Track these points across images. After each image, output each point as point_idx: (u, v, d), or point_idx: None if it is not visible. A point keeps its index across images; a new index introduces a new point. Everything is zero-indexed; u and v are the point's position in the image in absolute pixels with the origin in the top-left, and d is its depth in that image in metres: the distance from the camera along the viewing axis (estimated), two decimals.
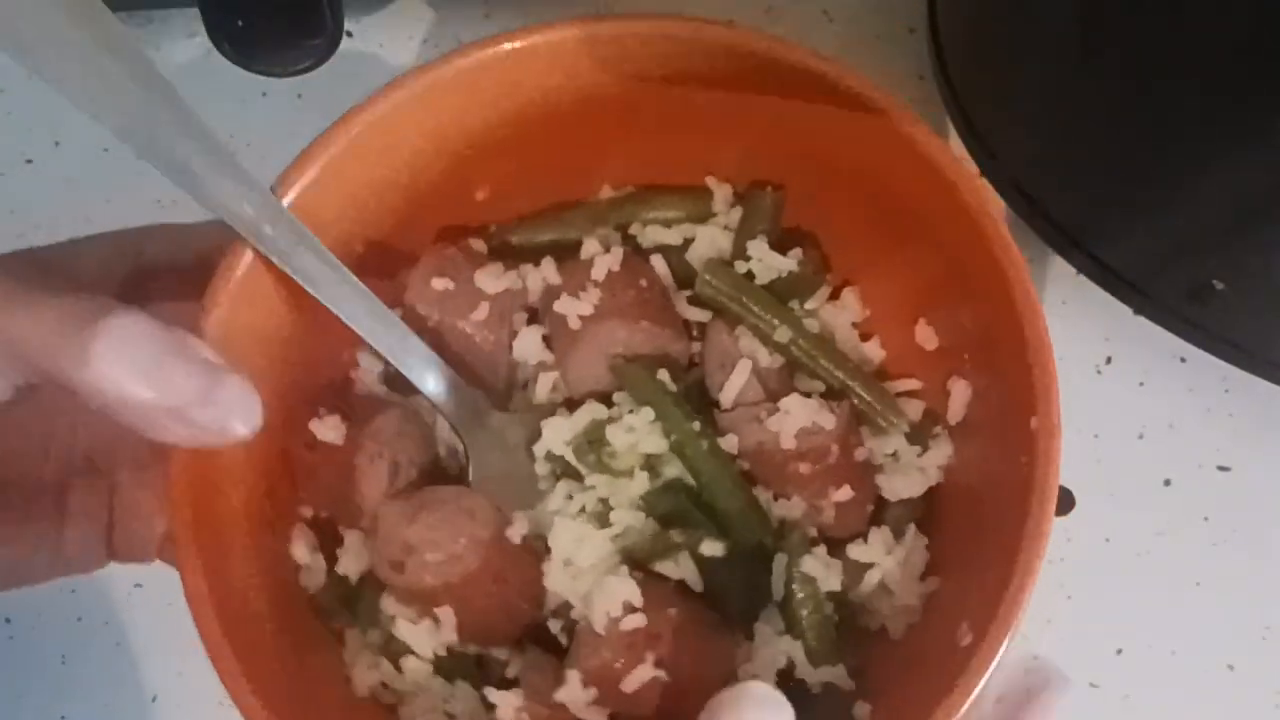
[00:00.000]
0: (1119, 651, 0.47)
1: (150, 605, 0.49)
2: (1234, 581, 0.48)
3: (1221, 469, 0.50)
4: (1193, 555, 0.48)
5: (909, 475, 0.39)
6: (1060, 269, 0.54)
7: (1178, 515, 0.49)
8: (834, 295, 0.41)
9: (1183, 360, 0.51)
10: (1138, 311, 0.48)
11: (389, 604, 0.36)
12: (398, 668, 0.36)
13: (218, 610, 0.31)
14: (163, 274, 0.34)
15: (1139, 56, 0.41)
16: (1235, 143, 0.40)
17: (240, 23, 0.46)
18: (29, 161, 0.58)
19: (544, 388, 0.39)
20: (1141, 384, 0.51)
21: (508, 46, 0.35)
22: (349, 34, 0.61)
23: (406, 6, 0.58)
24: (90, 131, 0.65)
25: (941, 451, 0.38)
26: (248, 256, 0.33)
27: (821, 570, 0.37)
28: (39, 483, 0.35)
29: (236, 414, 0.31)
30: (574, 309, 0.38)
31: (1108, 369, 0.53)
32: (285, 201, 0.34)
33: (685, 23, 0.36)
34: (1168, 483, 0.50)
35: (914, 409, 0.39)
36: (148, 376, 0.29)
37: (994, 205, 0.34)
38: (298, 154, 0.35)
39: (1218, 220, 0.43)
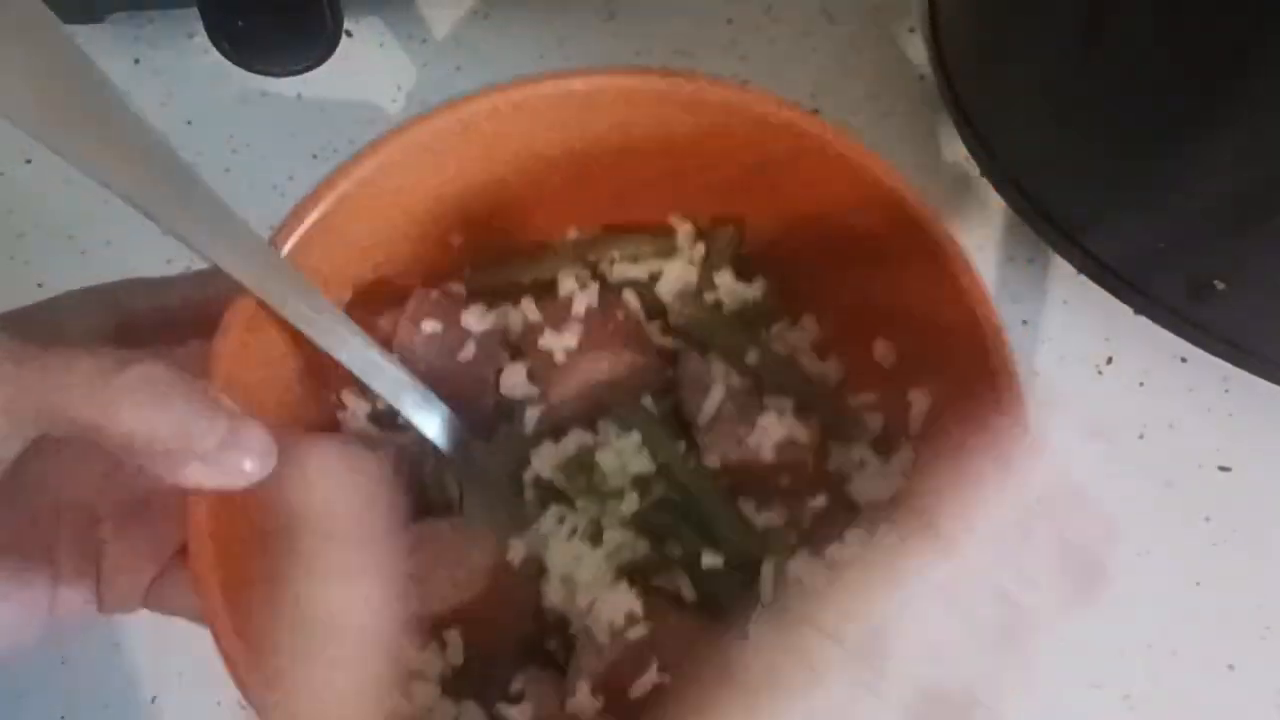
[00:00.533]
0: (1120, 652, 0.47)
1: None
2: (1234, 581, 0.48)
3: (1222, 469, 0.49)
4: (1193, 555, 0.48)
5: (876, 480, 0.42)
6: (1061, 268, 0.54)
7: (1178, 515, 0.49)
8: (795, 320, 0.45)
9: (1183, 360, 0.51)
10: (1138, 311, 0.48)
11: None
12: (404, 693, 0.39)
13: (246, 650, 0.33)
14: (144, 328, 0.37)
15: (1139, 55, 0.41)
16: (1236, 141, 0.40)
17: (240, 23, 0.46)
18: (28, 161, 0.58)
19: (531, 420, 0.42)
20: (1142, 384, 0.51)
21: (478, 107, 0.39)
22: (348, 34, 0.61)
23: (405, 6, 0.58)
24: None
25: (905, 458, 0.41)
26: (248, 309, 0.35)
27: (806, 571, 0.40)
28: (32, 544, 0.36)
29: (254, 456, 0.33)
30: (559, 344, 0.41)
31: (1108, 369, 0.53)
32: (283, 254, 0.37)
33: (644, 76, 0.39)
34: (1169, 483, 0.50)
35: (875, 421, 0.42)
36: (179, 421, 0.31)
37: (946, 229, 0.39)
38: (289, 211, 0.38)
39: (1219, 219, 0.43)
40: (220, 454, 0.32)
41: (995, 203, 0.52)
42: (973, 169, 0.53)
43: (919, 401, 0.41)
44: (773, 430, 0.40)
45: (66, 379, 0.30)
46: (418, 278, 0.42)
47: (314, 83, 0.54)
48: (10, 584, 0.36)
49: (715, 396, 0.42)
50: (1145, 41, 0.40)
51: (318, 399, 0.41)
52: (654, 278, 0.44)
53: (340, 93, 0.64)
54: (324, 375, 0.39)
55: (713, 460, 0.41)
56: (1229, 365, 0.47)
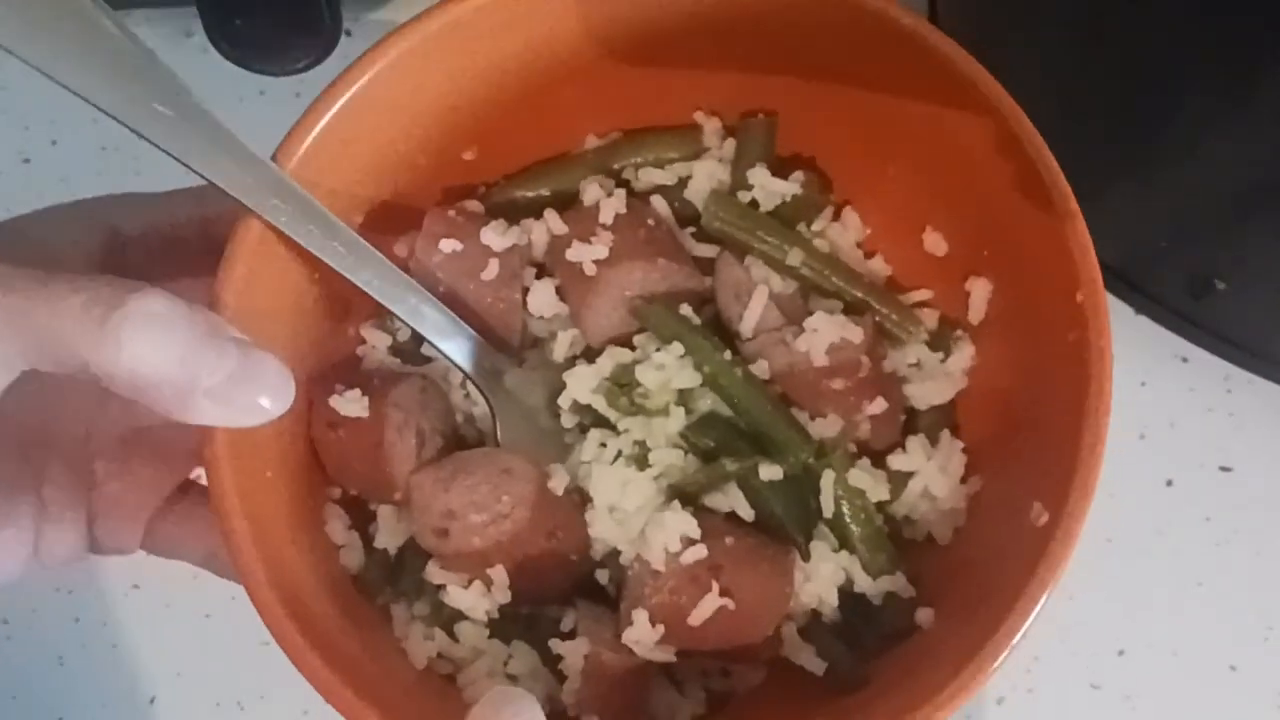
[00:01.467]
0: (1120, 652, 0.47)
1: (148, 606, 0.49)
2: (1236, 581, 0.48)
3: (1223, 469, 0.50)
4: (1194, 555, 0.48)
5: (935, 382, 0.39)
6: None
7: (1179, 515, 0.49)
8: (835, 216, 0.42)
9: (1184, 360, 0.51)
10: (1139, 311, 0.48)
11: (435, 572, 0.36)
12: (452, 636, 0.36)
13: (282, 601, 0.32)
14: (135, 249, 0.34)
15: (1140, 55, 0.41)
16: (1237, 141, 0.40)
17: (238, 22, 0.46)
18: (26, 160, 0.58)
19: (563, 344, 0.39)
20: (1143, 384, 0.51)
21: (475, 2, 0.35)
22: (347, 33, 0.61)
23: (405, 5, 0.58)
24: (88, 130, 0.65)
25: (964, 354, 0.39)
26: (255, 233, 0.33)
27: (868, 481, 0.37)
28: (18, 479, 0.34)
29: (269, 391, 0.31)
30: (588, 254, 0.38)
31: None
32: (288, 170, 0.34)
33: None
34: (1169, 483, 0.50)
35: (929, 318, 0.39)
36: (182, 357, 0.29)
37: (1004, 92, 0.35)
38: (291, 126, 0.35)
39: (1219, 220, 0.43)
40: (232, 389, 0.30)
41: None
42: None
43: (979, 289, 0.38)
44: (823, 331, 0.37)
45: (59, 313, 0.28)
46: (432, 198, 0.39)
47: (313, 82, 0.54)
48: None
49: (758, 302, 0.38)
50: (1146, 41, 0.40)
51: (335, 333, 0.38)
52: (683, 181, 0.40)
53: None
54: (341, 308, 0.36)
55: (761, 368, 0.38)
56: (1230, 365, 0.47)
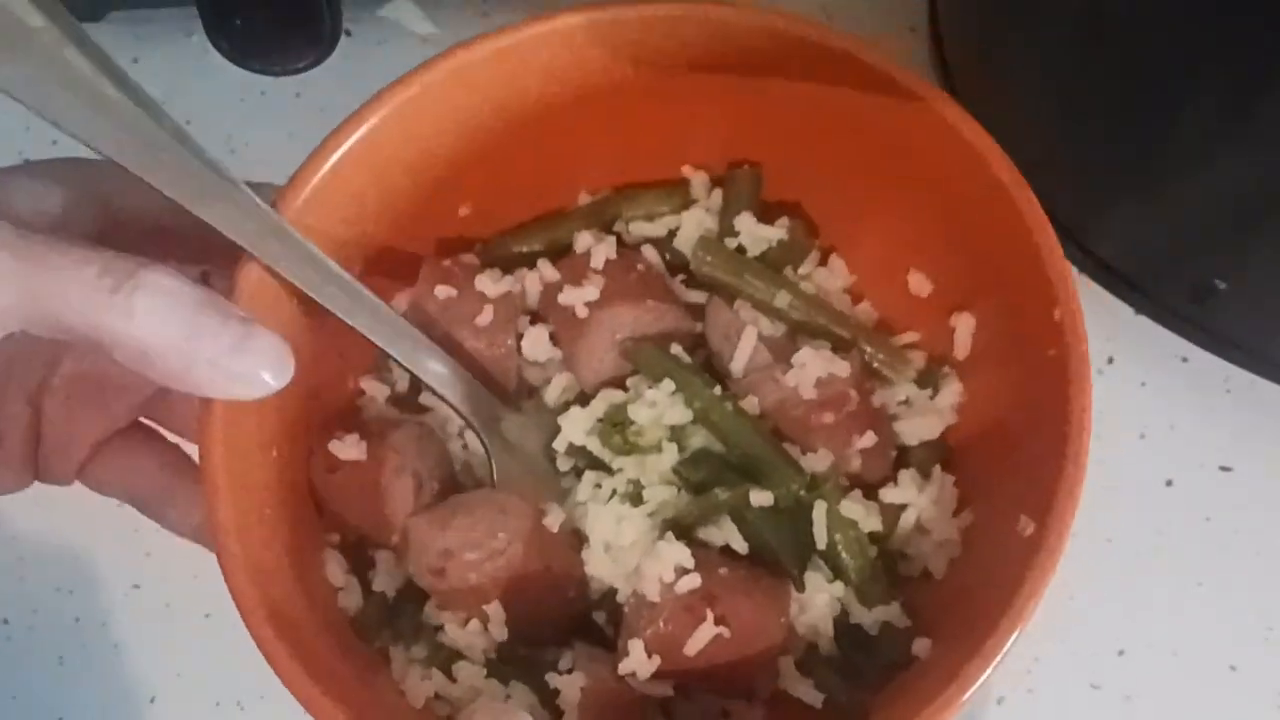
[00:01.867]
0: (1120, 653, 0.47)
1: (148, 606, 0.49)
2: (1236, 582, 0.48)
3: (1223, 469, 0.50)
4: (1194, 555, 0.48)
5: (925, 418, 0.40)
6: None
7: (1179, 515, 0.49)
8: (822, 261, 0.43)
9: (1184, 360, 0.51)
10: (1139, 311, 0.49)
11: (433, 613, 0.38)
12: (450, 676, 0.37)
13: (282, 636, 0.33)
14: (129, 228, 0.35)
15: (1140, 55, 0.41)
16: (1237, 141, 0.40)
17: (238, 22, 0.46)
18: (26, 161, 0.58)
19: (556, 388, 0.40)
20: (1143, 384, 0.52)
21: (471, 55, 0.37)
22: (347, 32, 0.61)
23: (405, 5, 0.58)
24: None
25: (952, 390, 0.40)
26: (254, 278, 0.34)
27: (860, 512, 0.38)
28: None
29: (268, 364, 0.33)
30: (580, 297, 0.39)
31: (1109, 369, 0.53)
32: (288, 216, 0.35)
33: (657, 5, 0.37)
34: (1169, 483, 0.50)
35: (917, 358, 0.41)
36: (188, 328, 0.31)
37: (980, 129, 0.37)
38: (290, 175, 0.36)
39: (1219, 220, 0.43)
40: (233, 360, 0.32)
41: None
42: None
43: (963, 325, 0.40)
44: (810, 366, 0.38)
45: (69, 280, 0.30)
46: (428, 252, 0.41)
47: (313, 82, 0.54)
48: None
49: (747, 343, 0.39)
50: (1147, 42, 0.40)
51: (334, 384, 0.40)
52: (672, 233, 0.42)
53: (340, 93, 0.64)
54: (339, 357, 0.38)
55: (751, 404, 0.39)
56: (1230, 365, 0.47)
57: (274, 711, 0.52)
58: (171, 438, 0.42)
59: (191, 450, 0.40)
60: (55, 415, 0.39)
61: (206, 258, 0.34)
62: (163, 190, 0.33)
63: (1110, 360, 0.54)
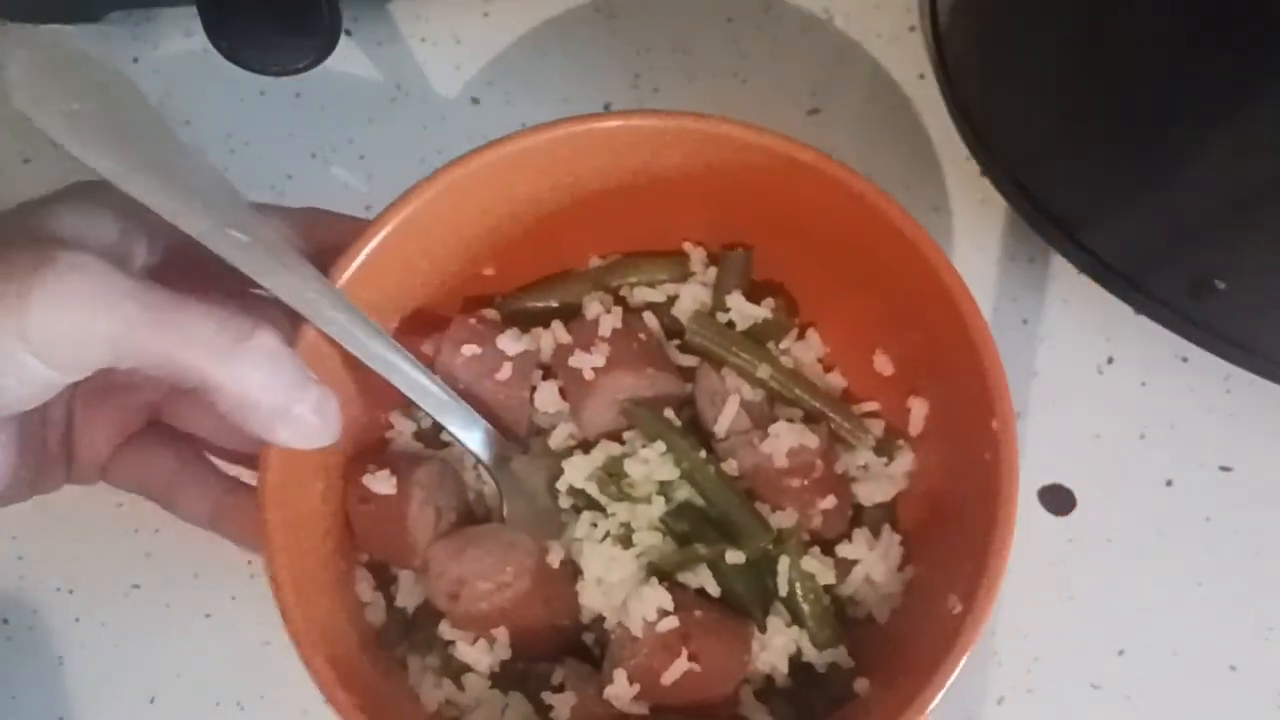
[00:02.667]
0: (1120, 652, 0.48)
1: (148, 606, 0.50)
2: (1236, 582, 0.48)
3: (1223, 469, 0.50)
4: (1194, 555, 0.49)
5: (879, 483, 0.47)
6: (1061, 267, 0.54)
7: (1179, 515, 0.50)
8: (800, 335, 0.51)
9: (1184, 360, 0.51)
10: (1139, 311, 0.49)
11: (446, 630, 0.45)
12: (458, 685, 0.45)
13: (319, 642, 0.40)
14: (182, 254, 0.40)
15: (1140, 54, 0.41)
16: (1237, 139, 0.40)
17: (238, 22, 0.46)
18: (26, 161, 0.58)
19: (561, 435, 0.48)
20: (1143, 384, 0.52)
21: (512, 148, 0.44)
22: (347, 32, 0.62)
23: (405, 5, 0.58)
24: None
25: (904, 461, 0.47)
26: (310, 338, 0.41)
27: (818, 567, 0.45)
28: (37, 426, 0.43)
29: (331, 426, 0.40)
30: (588, 362, 0.46)
31: (1109, 369, 0.53)
32: (339, 285, 0.42)
33: (669, 118, 0.44)
34: (1169, 483, 0.50)
35: (876, 427, 0.48)
36: (285, 391, 0.38)
37: (935, 245, 0.43)
38: (347, 250, 0.43)
39: (1219, 218, 0.43)
40: (308, 418, 0.38)
41: (995, 202, 0.52)
42: (973, 168, 0.53)
43: (918, 407, 0.47)
44: (785, 437, 0.46)
45: (187, 332, 0.36)
46: (455, 306, 0.49)
47: (313, 82, 0.54)
48: (34, 449, 0.43)
49: (731, 408, 0.47)
50: (1146, 40, 0.40)
51: (368, 420, 0.47)
52: (671, 300, 0.50)
53: (339, 92, 0.64)
54: (374, 397, 0.46)
55: (730, 466, 0.47)
56: (1230, 364, 0.47)
57: (274, 711, 0.52)
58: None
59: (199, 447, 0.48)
60: (82, 420, 0.45)
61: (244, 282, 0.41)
62: (234, 262, 0.38)
63: (1110, 360, 0.54)
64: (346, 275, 0.42)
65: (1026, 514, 0.53)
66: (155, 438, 0.47)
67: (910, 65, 0.59)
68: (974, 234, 0.55)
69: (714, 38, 0.60)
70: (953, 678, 0.39)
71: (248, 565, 0.50)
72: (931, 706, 0.39)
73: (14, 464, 0.41)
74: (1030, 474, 0.51)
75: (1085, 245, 0.49)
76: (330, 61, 0.51)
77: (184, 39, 0.59)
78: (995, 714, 0.49)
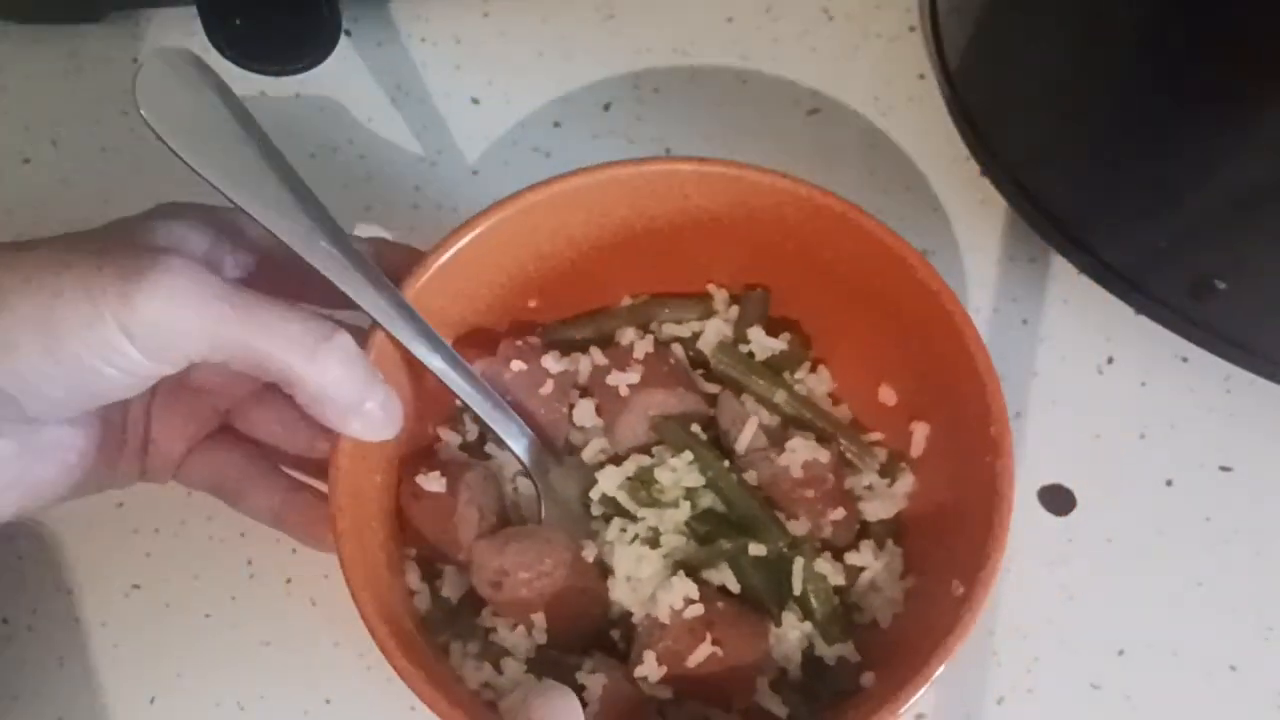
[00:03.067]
0: (1120, 652, 0.48)
1: (148, 606, 0.51)
2: (1236, 582, 0.49)
3: (1223, 469, 0.51)
4: (1194, 555, 0.49)
5: (883, 501, 0.53)
6: (1061, 268, 0.55)
7: (1179, 515, 0.50)
8: (812, 369, 0.57)
9: (1184, 360, 0.52)
10: (1139, 311, 0.49)
11: (487, 618, 0.52)
12: (497, 669, 0.50)
13: (383, 616, 0.43)
14: (265, 266, 0.46)
15: (1140, 54, 0.41)
16: (1236, 140, 0.40)
17: (239, 23, 0.46)
18: (26, 161, 0.59)
19: (594, 449, 0.54)
20: (1143, 384, 0.52)
21: (566, 186, 0.48)
22: (347, 33, 0.62)
23: (404, 6, 0.58)
24: (89, 131, 0.66)
25: (906, 481, 0.53)
26: (379, 342, 0.46)
27: (829, 569, 0.51)
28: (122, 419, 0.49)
29: (395, 421, 0.44)
30: (623, 380, 0.52)
31: (1109, 369, 0.54)
32: (408, 296, 0.46)
33: (696, 164, 0.49)
34: (1169, 483, 0.50)
35: (880, 454, 0.55)
36: (359, 387, 0.42)
37: (942, 281, 0.46)
38: (414, 269, 0.47)
39: (1219, 219, 0.44)
40: (376, 413, 0.43)
41: (996, 202, 0.53)
42: (973, 168, 0.54)
43: (919, 430, 0.52)
44: (799, 451, 0.52)
45: (273, 332, 0.40)
46: (503, 331, 0.56)
47: (313, 82, 0.55)
48: (77, 443, 0.45)
49: (750, 429, 0.52)
50: (1146, 41, 0.40)
51: (419, 429, 0.53)
52: (696, 335, 0.57)
53: (339, 93, 0.65)
54: (425, 409, 0.52)
55: (750, 477, 0.53)
56: (1230, 365, 0.48)
57: (274, 711, 0.52)
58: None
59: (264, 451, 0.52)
60: (160, 421, 0.49)
61: (330, 300, 0.47)
62: (322, 270, 0.43)
63: (1110, 360, 0.54)
64: (414, 289, 0.49)
65: (1026, 514, 0.54)
66: (225, 440, 0.53)
67: (910, 65, 0.61)
68: (974, 234, 0.57)
69: (714, 38, 0.61)
70: (955, 651, 0.42)
71: (247, 566, 0.51)
72: (932, 679, 0.42)
73: (94, 457, 0.47)
74: (1030, 474, 0.52)
75: (1085, 245, 0.50)
76: (330, 62, 0.52)
77: (184, 40, 0.60)
78: (995, 714, 0.51)
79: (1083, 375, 0.55)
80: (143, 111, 0.40)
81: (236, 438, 0.52)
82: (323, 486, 0.48)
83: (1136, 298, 0.50)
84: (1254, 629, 0.51)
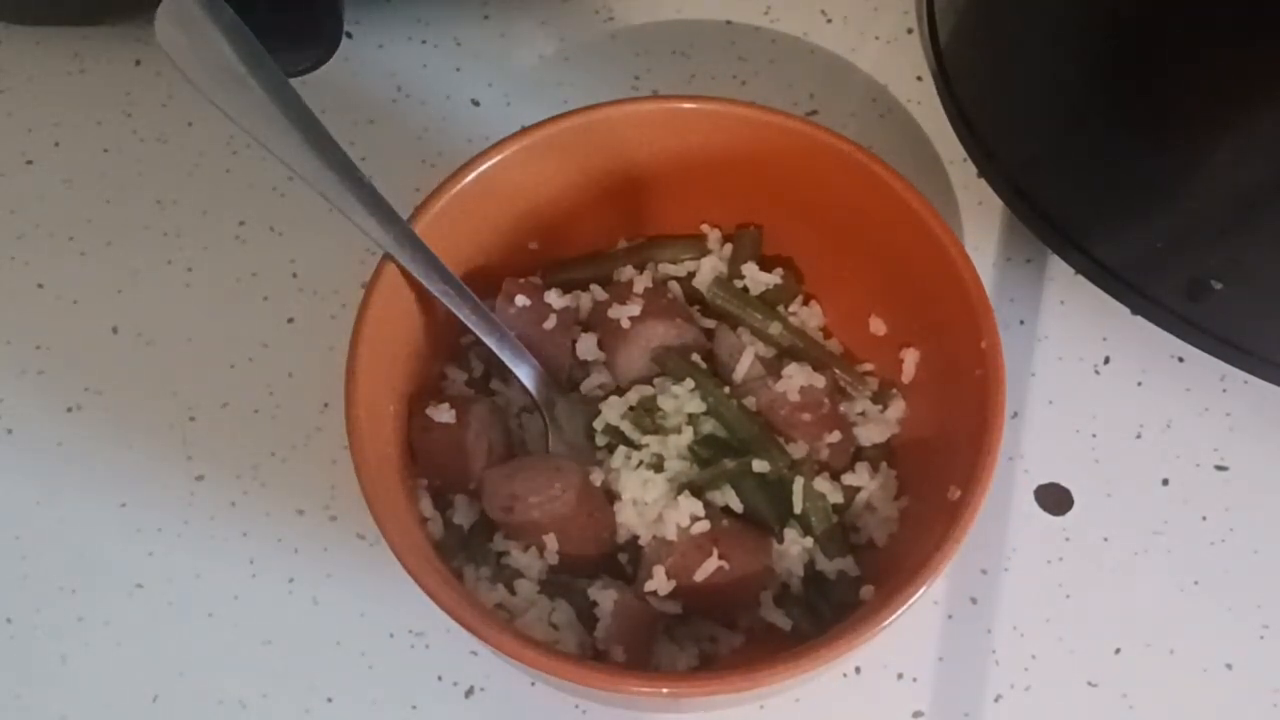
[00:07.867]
0: (1117, 651, 0.48)
1: (151, 605, 0.51)
2: (1232, 580, 0.49)
3: (1219, 468, 0.50)
4: (1191, 554, 0.49)
5: (876, 426, 0.54)
6: (1058, 269, 0.55)
7: (1176, 514, 0.50)
8: (805, 303, 0.57)
9: (1180, 360, 0.52)
10: (1135, 311, 0.49)
11: (499, 542, 0.53)
12: (511, 591, 0.51)
13: (402, 535, 0.44)
14: None
15: (1137, 56, 0.41)
16: (1232, 142, 0.39)
17: None
18: (29, 162, 0.59)
19: (595, 382, 0.55)
20: (1139, 384, 0.52)
21: (567, 124, 0.48)
22: (348, 34, 0.62)
23: (406, 7, 0.58)
24: (90, 132, 0.66)
25: (898, 407, 0.54)
26: (389, 275, 0.46)
27: (828, 488, 0.52)
28: None
29: None
30: (624, 313, 0.53)
31: (1106, 369, 0.54)
32: (417, 229, 0.47)
33: (695, 102, 0.49)
34: (1165, 482, 0.50)
35: (872, 382, 0.56)
36: None
37: (929, 207, 0.47)
38: (421, 199, 0.47)
39: (1215, 220, 0.44)
40: None
41: (993, 204, 0.53)
42: (970, 170, 0.54)
43: (910, 358, 0.53)
44: (796, 377, 0.53)
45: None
46: (506, 273, 0.56)
47: (314, 83, 0.54)
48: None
49: (747, 359, 0.53)
50: (1144, 43, 0.40)
51: (427, 367, 0.54)
52: (691, 275, 0.57)
53: (340, 94, 0.64)
54: (433, 348, 0.53)
55: (750, 403, 0.54)
56: (1226, 365, 0.48)
57: (276, 710, 0.52)
58: None
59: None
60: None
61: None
62: (334, 203, 0.43)
63: (1107, 360, 0.54)
64: (421, 223, 0.50)
65: (1024, 513, 0.54)
66: None
67: (908, 68, 0.61)
68: (972, 235, 0.57)
69: (713, 40, 0.61)
70: (953, 553, 0.43)
71: (249, 565, 0.50)
72: (932, 580, 0.43)
73: None
74: (1028, 473, 0.53)
75: (1082, 246, 0.50)
76: (331, 63, 0.52)
77: None
78: (993, 712, 0.51)
79: (1080, 375, 0.54)
80: (162, 46, 0.40)
81: None
82: None
83: (1133, 298, 0.49)
84: (1250, 627, 0.50)
